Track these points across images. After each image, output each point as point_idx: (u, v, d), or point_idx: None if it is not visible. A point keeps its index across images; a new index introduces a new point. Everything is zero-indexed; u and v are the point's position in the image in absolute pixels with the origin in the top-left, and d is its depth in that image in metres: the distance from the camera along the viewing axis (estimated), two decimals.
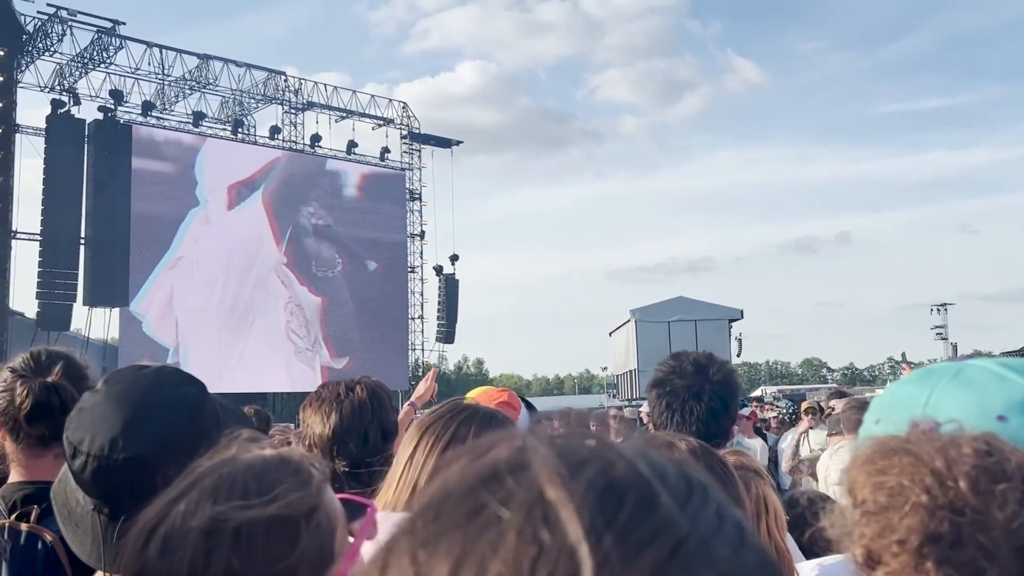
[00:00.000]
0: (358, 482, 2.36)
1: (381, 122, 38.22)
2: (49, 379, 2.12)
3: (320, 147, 35.95)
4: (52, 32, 29.08)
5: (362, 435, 2.52)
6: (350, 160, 36.70)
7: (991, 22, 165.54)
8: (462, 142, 42.03)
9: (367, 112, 37.65)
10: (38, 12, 28.71)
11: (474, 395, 2.78)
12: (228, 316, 31.85)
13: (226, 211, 32.41)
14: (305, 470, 1.09)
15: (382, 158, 37.96)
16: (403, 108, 39.34)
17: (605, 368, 60.43)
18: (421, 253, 39.28)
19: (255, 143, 34.86)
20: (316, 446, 2.47)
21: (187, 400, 1.40)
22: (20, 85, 29.22)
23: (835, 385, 63.05)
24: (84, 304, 28.75)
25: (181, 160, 31.56)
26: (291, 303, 33.69)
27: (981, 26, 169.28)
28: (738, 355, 48.53)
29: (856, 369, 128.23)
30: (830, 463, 5.55)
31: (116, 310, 29.39)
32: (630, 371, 49.69)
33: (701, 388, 2.64)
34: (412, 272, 38.87)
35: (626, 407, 14.70)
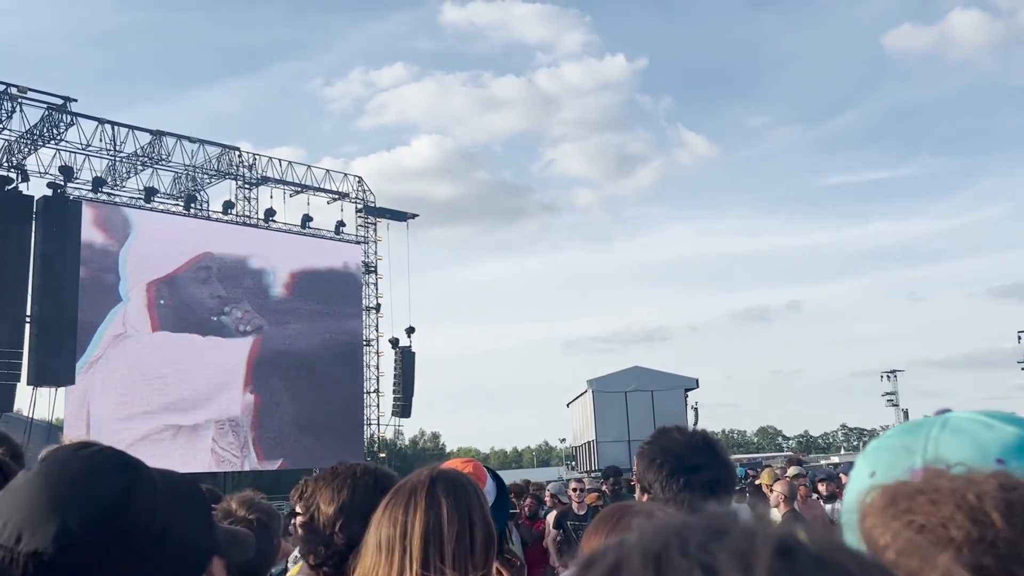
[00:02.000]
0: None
1: (336, 196, 38.31)
2: None
3: (275, 221, 35.84)
4: (1, 109, 28.86)
5: (366, 519, 2.48)
6: (304, 234, 36.61)
7: (927, 96, 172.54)
8: (418, 215, 42.28)
9: (322, 186, 37.74)
10: None
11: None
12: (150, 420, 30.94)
13: (147, 318, 31.34)
14: None
15: (337, 231, 37.93)
16: (358, 182, 39.52)
17: (563, 440, 60.15)
18: (376, 326, 39.06)
19: (208, 218, 34.64)
20: (326, 526, 2.43)
21: (107, 492, 1.26)
22: None
23: (791, 453, 63.35)
24: (28, 384, 27.96)
25: (117, 244, 30.91)
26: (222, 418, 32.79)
27: (918, 101, 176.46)
28: (695, 424, 48.65)
29: (811, 436, 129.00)
30: None
31: (62, 389, 28.61)
32: (588, 442, 49.49)
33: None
34: (367, 345, 38.54)
35: (584, 478, 14.58)
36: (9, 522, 1.23)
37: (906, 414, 59.68)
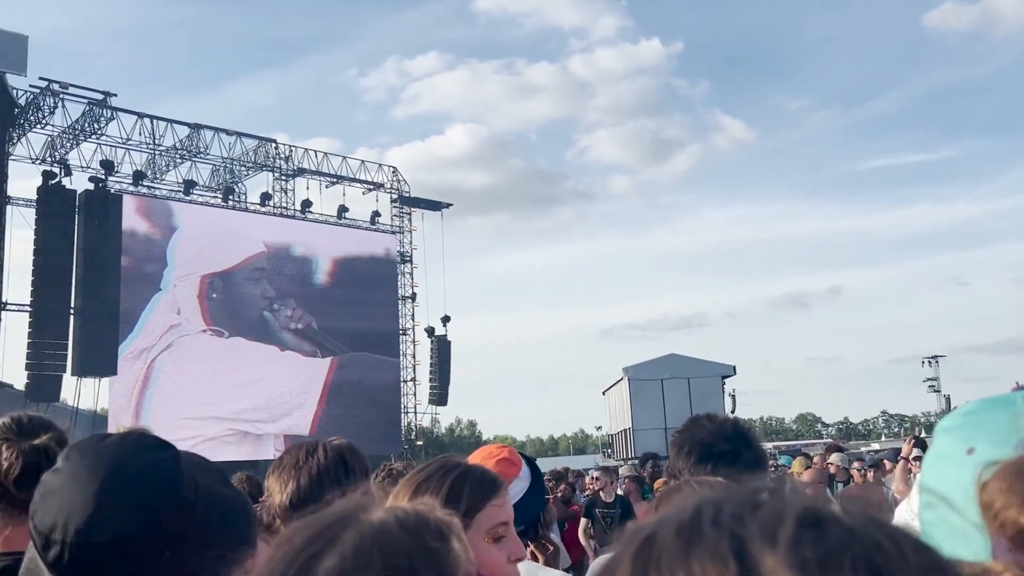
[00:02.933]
0: None
1: (371, 186, 38.53)
2: (37, 442, 2.08)
3: (311, 212, 36.16)
4: (44, 105, 29.39)
5: (324, 503, 2.33)
6: (340, 224, 36.87)
7: (968, 76, 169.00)
8: (452, 205, 42.40)
9: (357, 177, 37.98)
10: (30, 86, 29.10)
11: (475, 454, 2.72)
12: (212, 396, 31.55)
13: (198, 310, 31.94)
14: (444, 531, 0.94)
15: (372, 222, 38.17)
16: (393, 172, 39.71)
17: (599, 427, 60.13)
18: (412, 315, 39.30)
19: (246, 210, 35.01)
20: (278, 516, 2.28)
21: (160, 466, 1.25)
22: (11, 158, 29.43)
23: (830, 440, 62.70)
24: (73, 374, 28.54)
25: (161, 235, 31.46)
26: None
27: (959, 81, 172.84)
28: (732, 412, 48.33)
29: (851, 423, 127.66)
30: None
31: (105, 380, 29.16)
32: (624, 430, 49.37)
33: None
34: (404, 334, 38.79)
35: (621, 466, 14.55)
36: (71, 519, 1.21)
37: (948, 400, 58.80)
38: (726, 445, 2.57)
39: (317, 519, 0.92)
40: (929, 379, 60.45)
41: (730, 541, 0.49)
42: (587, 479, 11.93)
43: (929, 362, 60.78)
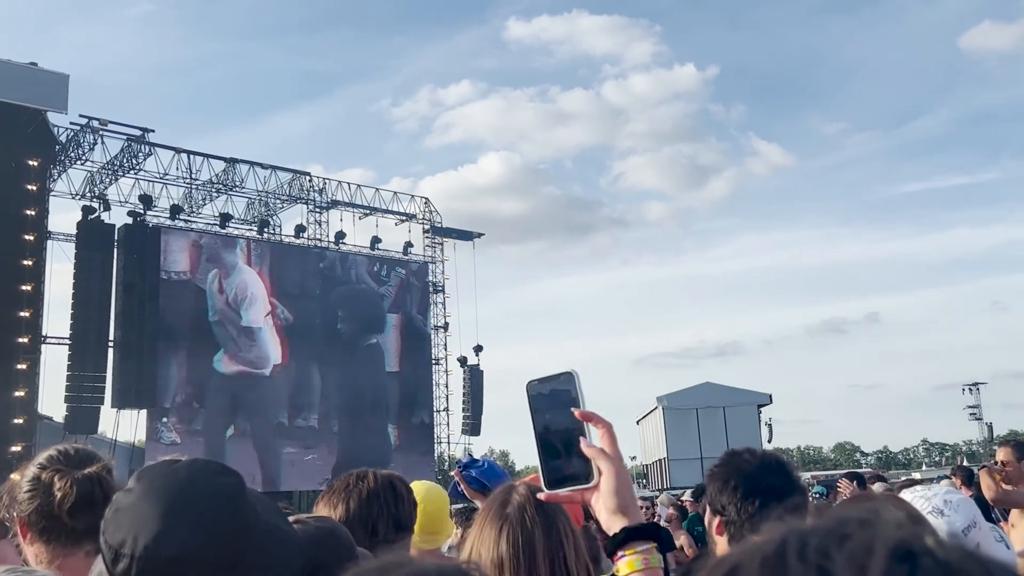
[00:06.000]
0: None
1: (404, 217, 38.82)
2: (88, 471, 2.10)
3: (344, 243, 36.47)
4: (84, 142, 30.03)
5: (370, 527, 2.39)
6: (374, 254, 37.16)
7: (1007, 98, 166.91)
8: (484, 234, 42.55)
9: (390, 208, 38.31)
10: (70, 123, 29.74)
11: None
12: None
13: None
14: None
15: (405, 252, 38.42)
16: (425, 203, 39.99)
17: (634, 457, 59.52)
18: (445, 345, 39.35)
19: (280, 243, 35.37)
20: None
21: (226, 491, 1.34)
22: (52, 193, 30.05)
23: (870, 470, 61.61)
24: (112, 407, 28.89)
25: (203, 270, 32.10)
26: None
27: (998, 103, 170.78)
28: (769, 441, 47.65)
29: (890, 452, 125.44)
30: None
31: (143, 412, 29.44)
32: (659, 459, 48.89)
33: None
34: (436, 364, 38.83)
35: (655, 497, 14.43)
36: (140, 535, 1.28)
37: (990, 428, 57.63)
38: (772, 479, 2.57)
39: (368, 568, 0.95)
40: (970, 407, 59.24)
41: (817, 574, 0.47)
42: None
43: (970, 389, 59.59)
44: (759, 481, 2.55)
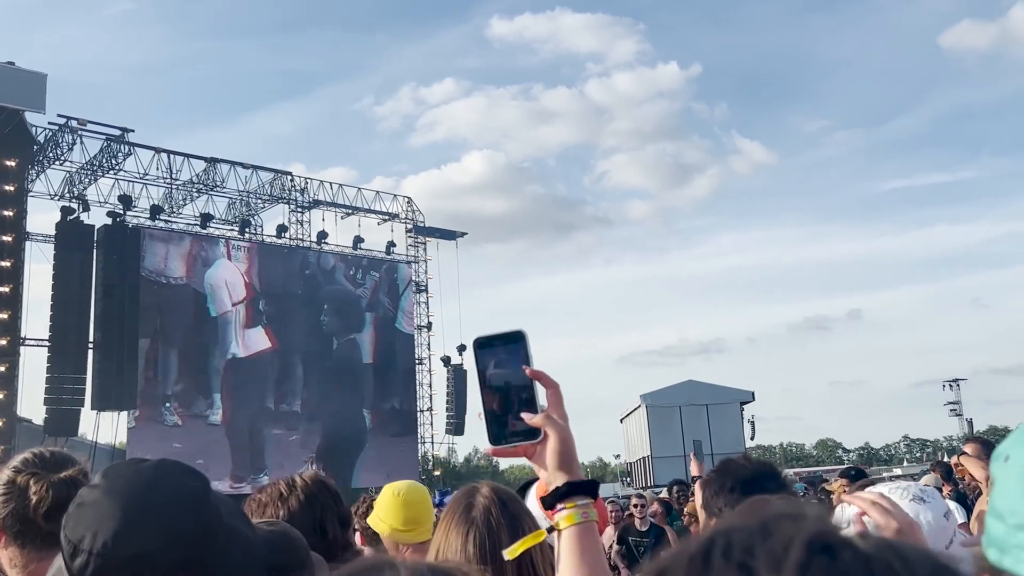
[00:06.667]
0: None
1: (386, 217, 38.71)
2: (64, 475, 2.08)
3: (327, 243, 36.33)
4: (63, 141, 29.75)
5: (318, 528, 2.31)
6: (356, 253, 37.05)
7: (987, 96, 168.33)
8: (466, 234, 42.50)
9: (372, 208, 38.19)
10: (49, 123, 29.49)
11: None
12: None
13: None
14: None
15: (388, 252, 38.31)
16: (408, 202, 39.90)
17: (618, 455, 59.67)
18: (428, 344, 39.28)
19: (262, 242, 35.21)
20: None
21: (190, 493, 1.33)
22: (31, 194, 29.76)
23: (851, 466, 61.93)
24: (92, 408, 28.64)
25: (190, 269, 32.17)
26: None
27: (977, 101, 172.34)
28: (751, 438, 47.88)
29: (872, 449, 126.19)
30: None
31: (123, 413, 29.23)
32: (643, 457, 49.05)
33: None
34: (420, 364, 38.76)
35: (646, 494, 14.46)
36: (99, 531, 1.27)
37: (970, 424, 58.11)
38: (768, 483, 2.65)
39: (351, 567, 0.91)
40: (951, 403, 59.67)
41: (739, 572, 0.48)
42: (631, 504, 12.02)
43: (950, 385, 60.02)
44: (754, 484, 2.63)
